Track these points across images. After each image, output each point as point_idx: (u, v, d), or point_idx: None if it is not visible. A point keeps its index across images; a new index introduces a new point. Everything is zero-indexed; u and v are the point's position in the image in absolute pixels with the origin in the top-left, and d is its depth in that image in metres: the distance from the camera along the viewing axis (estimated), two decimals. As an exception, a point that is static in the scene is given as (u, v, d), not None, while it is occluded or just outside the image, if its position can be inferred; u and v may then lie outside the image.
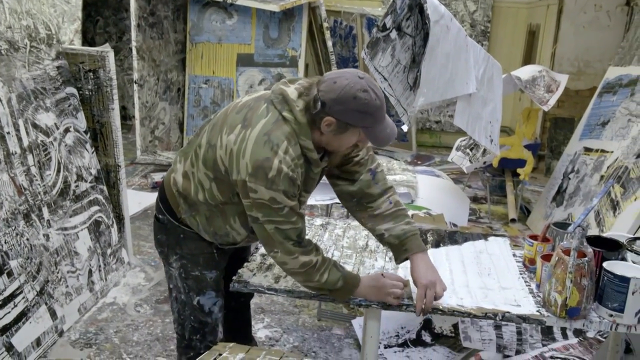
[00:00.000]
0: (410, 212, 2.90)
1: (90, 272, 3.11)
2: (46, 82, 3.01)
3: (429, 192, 3.11)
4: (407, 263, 1.90)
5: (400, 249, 1.89)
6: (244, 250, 2.18)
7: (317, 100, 1.65)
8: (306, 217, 2.54)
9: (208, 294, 1.99)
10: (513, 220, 4.94)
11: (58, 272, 2.83)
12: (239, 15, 6.21)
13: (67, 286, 2.88)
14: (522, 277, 2.03)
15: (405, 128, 2.91)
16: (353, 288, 1.80)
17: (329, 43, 6.29)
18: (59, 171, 2.99)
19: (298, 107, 1.69)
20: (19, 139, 2.72)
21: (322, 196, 2.93)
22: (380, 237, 1.94)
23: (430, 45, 2.58)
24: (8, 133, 2.65)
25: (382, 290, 1.79)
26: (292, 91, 1.71)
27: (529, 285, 1.96)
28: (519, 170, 4.95)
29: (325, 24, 6.19)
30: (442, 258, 2.18)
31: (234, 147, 1.69)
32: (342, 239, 2.33)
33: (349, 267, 2.05)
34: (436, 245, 2.31)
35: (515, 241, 3.80)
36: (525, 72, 4.79)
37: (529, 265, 2.09)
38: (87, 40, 7.45)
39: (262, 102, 1.75)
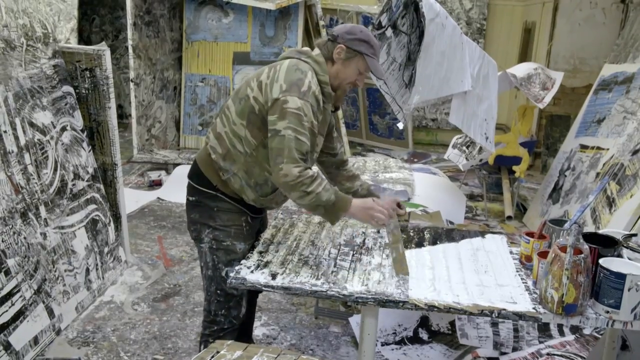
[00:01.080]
0: (407, 210, 2.92)
1: (87, 270, 3.11)
2: (43, 81, 3.01)
3: (426, 189, 3.11)
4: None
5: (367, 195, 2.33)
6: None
7: (330, 34, 2.08)
8: (304, 215, 2.56)
9: (236, 266, 2.07)
10: (509, 218, 4.96)
11: (55, 271, 2.83)
12: (235, 13, 6.21)
13: (64, 285, 2.88)
14: (519, 275, 2.04)
15: (400, 125, 2.91)
16: (346, 205, 2.03)
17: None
18: (55, 170, 2.98)
19: (314, 52, 2.09)
20: (16, 138, 2.72)
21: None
22: (354, 192, 2.35)
23: (425, 43, 2.59)
24: (5, 132, 2.64)
25: (368, 211, 2.05)
26: (306, 48, 2.15)
27: (526, 283, 1.98)
28: (514, 168, 4.97)
29: (321, 22, 6.19)
30: (439, 255, 2.19)
31: (267, 80, 2.01)
32: (339, 237, 2.33)
33: (345, 264, 2.06)
34: (433, 242, 2.32)
35: (511, 238, 3.81)
36: (521, 70, 4.80)
37: (525, 262, 2.10)
38: (84, 38, 7.44)
39: (280, 60, 2.11)
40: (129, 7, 5.70)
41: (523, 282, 1.98)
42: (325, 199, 1.97)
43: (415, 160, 7.13)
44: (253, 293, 2.46)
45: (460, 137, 5.21)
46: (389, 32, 2.62)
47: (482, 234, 2.45)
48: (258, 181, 2.10)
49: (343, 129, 6.24)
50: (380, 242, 2.30)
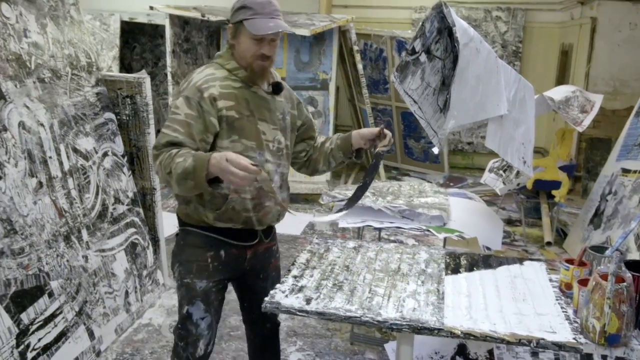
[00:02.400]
0: (442, 235, 2.89)
1: (126, 293, 3.17)
2: (86, 108, 3.12)
3: (462, 214, 3.08)
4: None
5: (345, 142, 2.16)
6: (262, 278, 2.20)
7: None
8: (339, 240, 2.56)
9: (197, 305, 2.02)
10: (549, 244, 4.85)
11: (96, 293, 2.89)
12: (271, 40, 6.32)
13: (104, 307, 2.94)
14: (559, 303, 1.99)
15: (436, 150, 2.91)
16: (204, 163, 1.75)
17: (360, 66, 6.34)
18: (97, 194, 3.07)
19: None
20: (60, 163, 2.81)
21: (353, 219, 2.94)
22: (330, 154, 2.20)
23: (460, 68, 2.59)
24: (50, 157, 2.74)
25: (225, 171, 1.74)
26: None
27: (566, 312, 1.93)
28: (554, 192, 4.87)
29: (355, 47, 6.25)
30: (475, 282, 2.16)
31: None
32: (374, 262, 2.33)
33: (380, 290, 2.05)
34: (470, 269, 2.29)
35: (551, 265, 3.73)
36: (559, 93, 4.74)
37: (565, 290, 2.05)
38: (125, 66, 7.68)
39: None
40: (168, 35, 5.87)
41: (563, 311, 1.93)
42: (183, 170, 1.77)
43: (451, 184, 7.06)
44: (271, 330, 2.34)
45: (497, 161, 5.14)
46: (423, 57, 2.63)
47: (521, 260, 2.40)
48: (206, 198, 1.97)
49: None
50: (415, 268, 2.28)
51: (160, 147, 1.87)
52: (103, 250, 3.03)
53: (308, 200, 6.10)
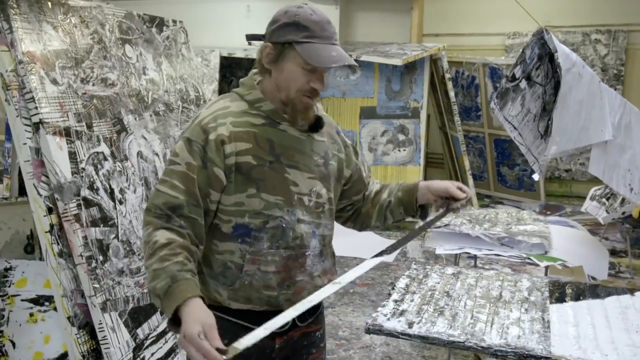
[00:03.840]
0: (544, 264, 2.81)
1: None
2: (194, 139, 3.34)
3: (564, 243, 2.99)
4: None
5: (409, 196, 1.69)
6: None
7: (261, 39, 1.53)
8: (437, 266, 2.56)
9: None
10: (659, 276, 4.55)
11: (201, 313, 3.05)
12: (362, 70, 6.46)
13: (208, 326, 3.09)
14: (676, 336, 1.89)
15: (536, 177, 2.85)
16: (175, 301, 1.26)
17: (451, 94, 6.32)
18: (203, 219, 3.26)
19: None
20: (172, 190, 3.02)
21: (450, 245, 2.93)
22: (387, 208, 1.72)
23: (562, 94, 2.56)
24: (163, 184, 2.96)
25: (181, 343, 1.24)
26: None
27: (685, 345, 1.82)
28: (664, 222, 4.58)
29: (447, 75, 6.25)
30: (583, 312, 2.09)
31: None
32: (474, 288, 2.31)
33: (482, 317, 2.03)
34: (576, 298, 2.22)
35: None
36: (668, 117, 4.49)
37: (683, 322, 1.94)
38: (222, 98, 8.07)
39: None
40: (265, 68, 6.13)
41: (682, 345, 1.83)
42: (154, 284, 1.32)
43: (548, 212, 6.80)
44: None
45: (599, 189, 4.92)
46: (523, 83, 2.62)
47: (631, 291, 2.30)
48: (216, 270, 1.51)
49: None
50: (518, 296, 2.25)
51: (154, 210, 1.42)
52: (208, 272, 3.20)
53: (399, 227, 6.10)
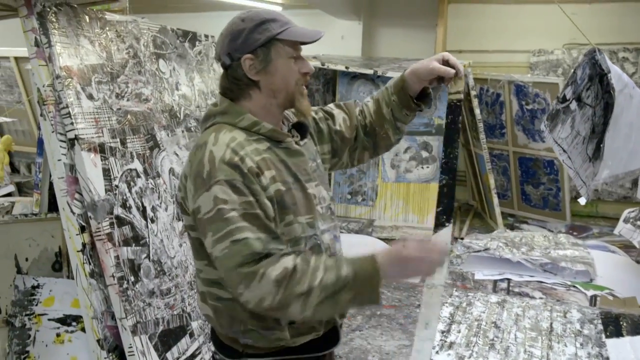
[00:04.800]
0: (590, 292, 2.69)
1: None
2: (224, 155, 3.27)
3: (609, 270, 2.87)
4: None
5: (403, 93, 1.60)
6: None
7: (222, 62, 1.43)
8: (479, 293, 2.46)
9: None
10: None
11: (229, 335, 2.96)
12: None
13: (236, 349, 3.00)
14: None
15: (583, 201, 2.75)
16: (374, 273, 1.26)
17: (477, 111, 6.23)
18: (232, 238, 3.18)
19: (218, 104, 1.46)
20: (202, 208, 2.95)
21: (490, 271, 2.82)
22: (393, 118, 1.63)
23: (614, 115, 2.46)
24: (194, 202, 2.88)
25: (408, 267, 1.27)
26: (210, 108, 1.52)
27: None
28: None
29: (472, 92, 6.16)
30: (642, 347, 1.98)
31: (180, 193, 1.44)
32: (522, 319, 2.20)
33: (536, 352, 1.92)
34: (634, 332, 2.10)
35: None
36: None
37: None
38: (243, 112, 8.05)
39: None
40: (289, 83, 6.09)
41: None
42: (336, 290, 1.25)
43: (575, 233, 6.64)
44: None
45: (633, 211, 4.78)
46: (574, 105, 2.53)
47: (689, 325, 2.18)
48: (237, 316, 1.43)
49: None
50: (570, 328, 2.13)
51: (246, 266, 1.26)
52: (236, 293, 3.11)
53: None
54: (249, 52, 1.38)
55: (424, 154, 6.30)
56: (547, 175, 6.99)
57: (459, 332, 2.07)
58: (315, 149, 1.58)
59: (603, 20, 7.04)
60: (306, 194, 1.43)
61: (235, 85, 1.42)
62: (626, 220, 4.78)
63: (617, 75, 2.44)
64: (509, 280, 3.12)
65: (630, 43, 7.27)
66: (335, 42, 7.43)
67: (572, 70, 2.49)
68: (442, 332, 2.07)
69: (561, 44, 7.47)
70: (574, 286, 2.66)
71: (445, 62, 1.54)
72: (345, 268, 1.26)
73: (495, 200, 6.10)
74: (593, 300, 2.79)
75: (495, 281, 3.02)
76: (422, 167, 6.29)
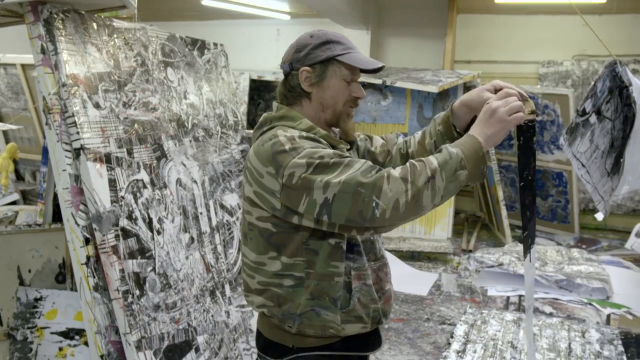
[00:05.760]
0: (608, 311, 2.62)
1: (261, 350, 3.14)
2: (232, 165, 3.22)
3: (625, 287, 2.79)
4: None
5: (447, 123, 1.60)
6: None
7: (283, 70, 1.56)
8: (494, 311, 2.39)
9: None
10: None
11: (235, 349, 2.89)
12: (394, 96, 6.34)
13: (242, 364, 2.93)
14: None
15: (600, 216, 2.67)
16: (475, 143, 1.35)
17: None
18: (239, 249, 3.12)
19: (274, 111, 1.57)
20: (209, 219, 2.89)
21: (503, 287, 2.75)
22: (429, 139, 1.64)
23: (635, 130, 2.39)
24: (201, 213, 2.83)
25: (496, 116, 1.36)
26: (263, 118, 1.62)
27: None
28: None
29: (481, 103, 6.10)
30: (666, 371, 1.90)
31: (251, 187, 1.49)
32: (540, 339, 2.13)
33: (556, 374, 1.85)
34: (656, 354, 2.03)
35: None
36: None
37: None
38: (249, 121, 8.02)
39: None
40: (296, 92, 6.04)
41: None
42: (449, 158, 1.33)
43: (583, 246, 6.55)
44: None
45: (645, 225, 4.70)
46: (593, 118, 2.46)
47: None
48: (333, 295, 1.49)
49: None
50: (589, 349, 2.06)
51: (369, 172, 1.34)
52: (243, 306, 3.05)
53: (430, 258, 5.91)
54: (308, 65, 1.51)
55: (432, 164, 6.24)
56: (555, 187, 6.92)
57: (474, 352, 2.00)
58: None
59: (613, 32, 6.98)
60: None
61: (290, 93, 1.55)
62: (638, 234, 4.69)
63: (638, 88, 2.38)
64: (520, 296, 3.04)
65: (639, 55, 7.21)
66: (343, 51, 7.38)
67: (593, 83, 2.43)
68: (457, 352, 2.00)
69: (571, 55, 7.41)
70: (591, 304, 2.58)
71: (498, 90, 1.51)
72: (451, 149, 1.34)
73: (504, 212, 6.03)
74: (608, 319, 2.71)
75: (507, 298, 2.94)
76: (430, 178, 6.22)
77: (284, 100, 1.56)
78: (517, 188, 7.30)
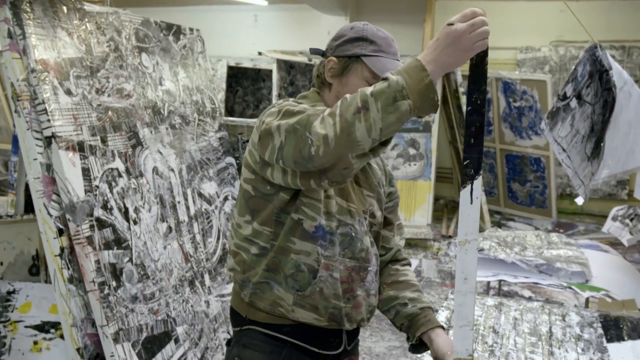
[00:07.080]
0: (587, 294, 2.64)
1: (242, 340, 3.12)
2: (210, 153, 3.16)
3: (603, 271, 2.82)
4: None
5: (421, 320, 1.56)
6: None
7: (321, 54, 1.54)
8: (477, 297, 2.39)
9: None
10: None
11: (216, 339, 2.86)
12: (373, 82, 6.31)
13: (223, 353, 2.90)
14: None
15: (580, 201, 2.68)
16: (422, 70, 1.17)
17: (465, 108, 6.17)
18: (218, 238, 3.07)
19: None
20: (187, 208, 2.84)
21: (484, 272, 2.76)
22: (402, 306, 1.59)
23: (615, 114, 2.40)
24: (179, 202, 2.77)
25: (460, 43, 1.17)
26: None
27: None
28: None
29: (461, 89, 6.11)
30: (645, 353, 1.92)
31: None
32: (521, 323, 2.13)
33: (537, 358, 1.85)
34: (635, 337, 2.04)
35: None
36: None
37: None
38: (227, 108, 7.92)
39: None
40: (275, 79, 5.99)
41: None
42: (387, 85, 1.18)
43: (561, 230, 6.64)
44: None
45: (621, 209, 4.77)
46: (574, 102, 2.46)
47: (690, 328, 2.13)
48: (286, 272, 1.45)
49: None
50: (570, 332, 2.07)
51: (299, 110, 1.32)
52: (223, 295, 3.01)
53: (410, 244, 5.92)
54: (336, 56, 1.48)
55: (412, 151, 6.24)
56: (533, 172, 6.97)
57: (456, 338, 1.99)
58: (380, 175, 1.64)
59: (590, 18, 7.01)
60: (354, 187, 1.51)
61: (317, 78, 1.53)
62: (614, 219, 4.76)
63: (617, 72, 2.38)
64: (500, 280, 3.05)
65: (616, 41, 7.28)
66: (322, 37, 7.33)
67: (573, 67, 2.42)
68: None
69: (548, 41, 7.45)
70: (570, 287, 2.60)
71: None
72: (392, 77, 1.18)
73: (483, 197, 6.06)
74: (587, 303, 2.74)
75: (487, 283, 2.95)
76: (410, 165, 6.23)
77: (315, 83, 1.56)
78: (496, 175, 7.36)
